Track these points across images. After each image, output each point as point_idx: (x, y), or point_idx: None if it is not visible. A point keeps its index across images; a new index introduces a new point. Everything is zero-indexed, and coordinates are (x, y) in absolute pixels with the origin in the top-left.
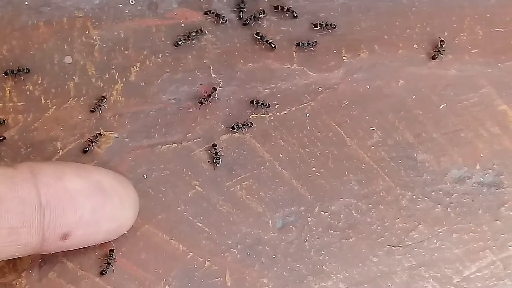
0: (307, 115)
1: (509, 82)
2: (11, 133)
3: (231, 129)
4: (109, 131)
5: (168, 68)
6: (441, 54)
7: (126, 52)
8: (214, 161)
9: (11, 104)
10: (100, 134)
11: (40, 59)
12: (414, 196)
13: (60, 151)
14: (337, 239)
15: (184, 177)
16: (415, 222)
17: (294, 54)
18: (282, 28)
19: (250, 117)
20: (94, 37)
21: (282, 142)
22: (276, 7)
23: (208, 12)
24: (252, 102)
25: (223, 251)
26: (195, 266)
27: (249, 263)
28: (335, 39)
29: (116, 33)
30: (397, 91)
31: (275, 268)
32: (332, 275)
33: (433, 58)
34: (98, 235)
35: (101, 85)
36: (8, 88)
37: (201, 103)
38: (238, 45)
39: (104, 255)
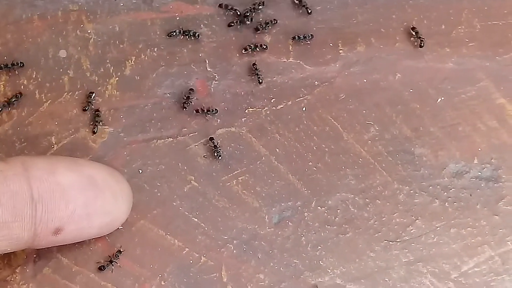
0: (304, 109)
1: (507, 75)
2: (5, 127)
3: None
4: (104, 125)
5: (163, 62)
6: (422, 38)
7: (121, 46)
8: (215, 154)
9: (5, 98)
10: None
11: (35, 53)
12: (412, 191)
13: (55, 145)
14: (334, 234)
15: (180, 172)
16: (413, 217)
17: (291, 48)
18: (279, 21)
19: (246, 111)
20: (89, 31)
21: (278, 137)
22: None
23: (222, 6)
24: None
25: (219, 246)
26: (191, 261)
27: (245, 258)
28: (331, 32)
29: (111, 26)
30: (394, 85)
31: (272, 264)
32: (329, 271)
33: (421, 46)
34: (91, 229)
35: (96, 79)
36: (2, 82)
37: (184, 107)
38: (234, 38)
39: (110, 253)
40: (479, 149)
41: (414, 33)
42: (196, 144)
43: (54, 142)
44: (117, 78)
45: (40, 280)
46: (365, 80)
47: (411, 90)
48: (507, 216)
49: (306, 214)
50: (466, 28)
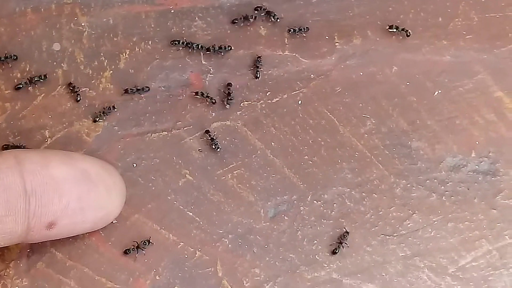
0: (299, 102)
1: (504, 68)
2: None
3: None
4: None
5: (157, 55)
6: (405, 29)
7: (115, 39)
8: (213, 146)
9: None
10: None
11: (28, 46)
12: (409, 185)
13: (49, 139)
14: (330, 228)
15: (174, 165)
16: (410, 211)
17: (286, 41)
18: (274, 13)
19: (241, 104)
20: (83, 24)
21: (274, 130)
22: None
23: (259, 9)
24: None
25: (214, 240)
26: (186, 256)
27: (240, 253)
28: (327, 25)
29: (105, 19)
30: (391, 78)
31: (267, 258)
32: (325, 265)
33: (407, 35)
34: (84, 224)
35: (90, 72)
36: None
37: (228, 104)
38: (228, 31)
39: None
40: (477, 143)
41: (395, 30)
42: (191, 137)
43: (47, 136)
44: (111, 72)
45: (33, 274)
46: (361, 73)
47: (408, 83)
48: (505, 210)
49: (302, 208)
50: (463, 20)
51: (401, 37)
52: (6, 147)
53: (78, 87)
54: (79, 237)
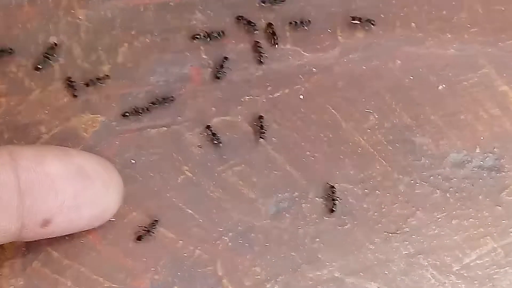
0: (301, 97)
1: (509, 62)
2: None
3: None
4: (96, 114)
5: (156, 49)
6: (370, 20)
7: (113, 32)
8: (214, 141)
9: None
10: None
11: (24, 40)
12: (412, 181)
13: (45, 135)
14: (332, 226)
15: (174, 162)
16: (413, 208)
17: (288, 34)
18: (275, 6)
19: (242, 100)
20: (80, 17)
21: (275, 126)
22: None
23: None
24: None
25: (214, 239)
26: (185, 254)
27: (241, 251)
28: (330, 18)
29: (103, 12)
30: (394, 72)
31: (268, 257)
32: (327, 263)
33: (373, 25)
34: (80, 221)
35: (87, 66)
36: None
37: (218, 77)
38: (229, 24)
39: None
40: (481, 138)
41: (358, 22)
42: (191, 133)
43: (44, 132)
44: (109, 66)
45: (29, 274)
46: (364, 67)
47: (411, 77)
48: (510, 206)
49: (303, 205)
50: (468, 13)
51: (404, 30)
52: None
53: (76, 82)
54: (76, 236)
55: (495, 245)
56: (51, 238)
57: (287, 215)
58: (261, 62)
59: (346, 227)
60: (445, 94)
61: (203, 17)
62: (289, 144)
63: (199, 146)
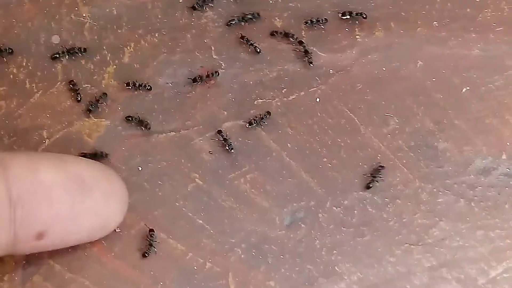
0: (317, 100)
1: None
2: None
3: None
4: (100, 118)
5: (165, 48)
6: (360, 13)
7: (119, 31)
8: (226, 147)
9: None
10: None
11: (25, 39)
12: (435, 189)
13: (47, 140)
14: (350, 237)
15: (183, 169)
16: (436, 218)
17: (303, 33)
18: (290, 4)
19: (255, 102)
20: (84, 15)
21: (290, 130)
22: None
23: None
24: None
25: (225, 250)
26: (195, 267)
27: (254, 264)
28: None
29: (108, 10)
30: (416, 73)
31: (283, 270)
32: (345, 277)
33: (364, 18)
34: (79, 234)
35: (92, 67)
36: None
37: (195, 81)
38: (242, 23)
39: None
40: (508, 144)
41: (348, 16)
42: (201, 138)
43: (45, 137)
44: (115, 66)
45: None
46: (384, 69)
47: (434, 79)
48: None
49: (320, 215)
50: (493, 11)
51: (426, 30)
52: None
53: (78, 86)
54: (79, 247)
55: None
56: (53, 250)
57: (302, 225)
58: (258, 51)
59: (365, 238)
60: (469, 97)
61: (214, 15)
62: (305, 150)
63: (210, 152)
